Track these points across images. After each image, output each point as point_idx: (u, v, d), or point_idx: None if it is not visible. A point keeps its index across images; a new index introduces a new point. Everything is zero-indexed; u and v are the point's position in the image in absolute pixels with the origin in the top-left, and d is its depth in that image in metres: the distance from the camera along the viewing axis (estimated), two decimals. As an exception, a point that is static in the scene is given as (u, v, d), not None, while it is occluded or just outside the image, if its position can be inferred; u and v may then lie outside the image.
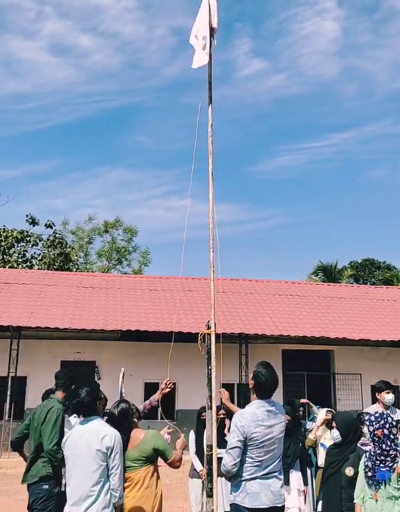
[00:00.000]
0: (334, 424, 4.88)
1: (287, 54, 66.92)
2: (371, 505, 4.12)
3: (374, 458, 4.14)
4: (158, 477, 4.38)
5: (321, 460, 6.55)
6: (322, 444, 6.78)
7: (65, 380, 5.46)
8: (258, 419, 4.15)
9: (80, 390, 4.09)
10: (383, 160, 71.42)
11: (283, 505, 4.25)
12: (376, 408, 6.58)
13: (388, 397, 6.57)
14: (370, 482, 4.14)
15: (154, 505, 4.23)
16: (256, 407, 4.23)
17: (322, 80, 67.35)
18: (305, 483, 6.09)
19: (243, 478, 4.13)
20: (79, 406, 4.06)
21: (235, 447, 4.12)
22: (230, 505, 4.30)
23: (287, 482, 5.67)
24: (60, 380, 5.50)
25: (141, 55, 67.77)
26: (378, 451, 4.14)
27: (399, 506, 4.02)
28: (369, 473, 4.13)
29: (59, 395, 5.42)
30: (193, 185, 5.43)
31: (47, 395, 5.80)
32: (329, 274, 37.26)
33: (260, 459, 4.12)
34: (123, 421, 4.30)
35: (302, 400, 6.88)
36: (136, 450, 4.25)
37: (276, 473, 4.19)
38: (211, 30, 5.53)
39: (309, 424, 7.36)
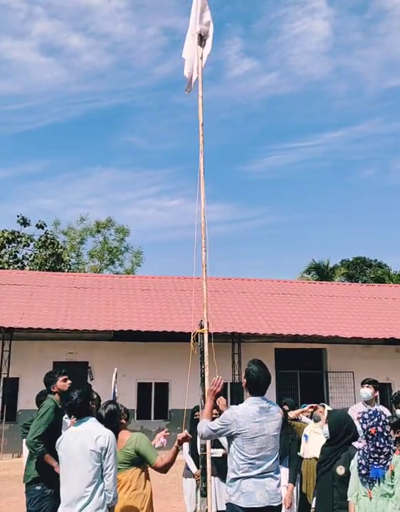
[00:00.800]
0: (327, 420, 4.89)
1: (278, 54, 67.11)
2: (365, 503, 4.12)
3: (368, 456, 4.13)
4: (147, 478, 4.35)
5: (302, 451, 6.66)
6: (305, 436, 6.86)
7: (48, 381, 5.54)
8: (250, 415, 4.15)
9: (71, 392, 4.09)
10: (374, 159, 71.80)
11: (280, 505, 4.23)
12: (361, 406, 6.65)
13: (362, 390, 6.68)
14: (364, 480, 4.13)
15: (142, 506, 4.21)
16: (249, 404, 4.25)
17: (312, 80, 67.60)
18: (293, 481, 6.07)
19: (237, 477, 4.12)
20: (72, 408, 4.05)
21: (214, 430, 4.16)
22: (226, 504, 4.28)
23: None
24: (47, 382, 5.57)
25: (132, 55, 67.71)
26: (371, 449, 4.14)
27: (393, 503, 4.01)
28: (363, 472, 4.12)
29: (56, 397, 5.45)
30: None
31: (40, 396, 5.84)
32: (321, 272, 37.35)
33: (253, 456, 4.11)
34: (111, 422, 4.28)
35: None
36: (121, 452, 4.23)
37: (272, 473, 4.18)
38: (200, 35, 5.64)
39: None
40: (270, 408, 4.28)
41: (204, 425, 4.23)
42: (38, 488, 5.13)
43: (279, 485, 4.24)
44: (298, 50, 67.21)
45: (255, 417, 4.17)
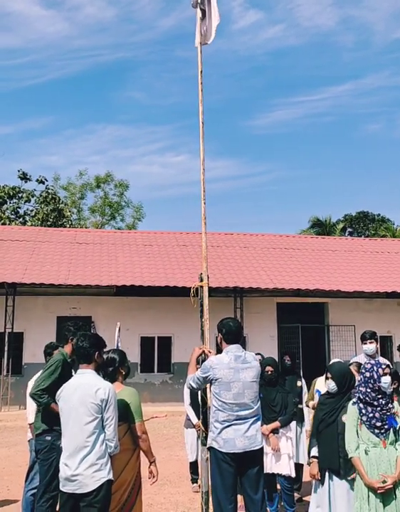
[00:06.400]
0: (329, 374, 4.89)
1: (283, 4, 64.96)
2: (376, 454, 4.14)
3: (379, 409, 4.20)
4: (133, 435, 4.30)
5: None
6: (317, 391, 6.91)
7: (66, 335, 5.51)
8: (225, 362, 4.50)
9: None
10: (380, 113, 70.54)
11: (260, 448, 4.50)
12: (362, 357, 6.72)
13: (366, 347, 6.73)
14: (378, 432, 4.17)
15: (127, 459, 4.22)
16: (225, 352, 4.60)
17: (319, 31, 65.76)
18: (283, 424, 6.13)
19: (219, 424, 4.43)
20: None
21: (198, 378, 4.56)
22: (207, 448, 4.57)
23: (277, 430, 5.85)
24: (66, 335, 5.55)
25: (135, 7, 65.59)
26: (375, 404, 4.22)
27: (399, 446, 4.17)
28: (378, 424, 4.16)
29: (67, 349, 5.45)
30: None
31: (47, 349, 5.87)
32: (323, 228, 37.18)
33: (230, 401, 4.41)
34: (105, 367, 4.31)
35: None
36: None
37: (250, 419, 4.47)
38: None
39: None
40: (246, 357, 4.60)
41: (190, 378, 4.64)
42: (49, 438, 5.21)
43: (258, 430, 4.53)
44: (304, 1, 65.02)
45: (229, 364, 4.49)
